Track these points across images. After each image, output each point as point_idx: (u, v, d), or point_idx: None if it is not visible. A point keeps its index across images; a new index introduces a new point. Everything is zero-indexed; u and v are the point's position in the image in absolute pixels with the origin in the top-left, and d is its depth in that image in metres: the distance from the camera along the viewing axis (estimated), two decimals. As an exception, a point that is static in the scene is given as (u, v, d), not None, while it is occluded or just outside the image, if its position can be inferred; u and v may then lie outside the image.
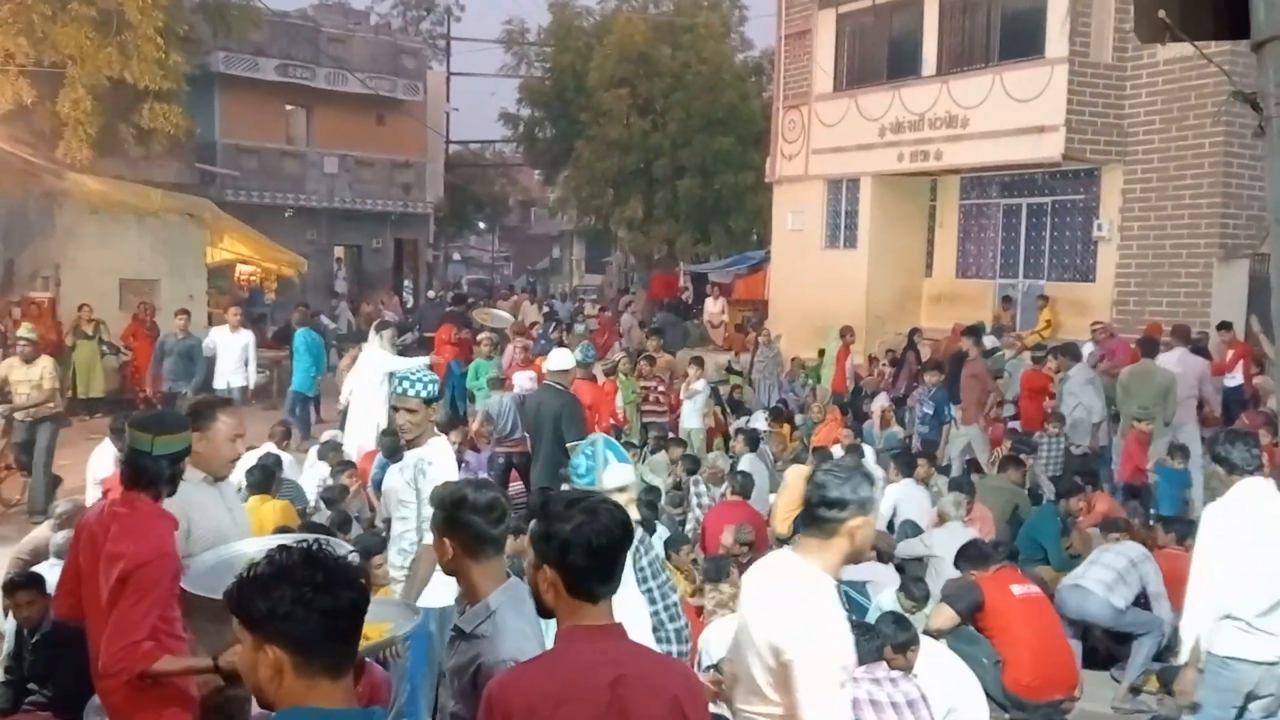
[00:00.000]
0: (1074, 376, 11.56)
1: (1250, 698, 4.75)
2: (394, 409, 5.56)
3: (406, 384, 5.27)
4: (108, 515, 3.73)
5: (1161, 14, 1.81)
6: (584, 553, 2.46)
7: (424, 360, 12.21)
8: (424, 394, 5.25)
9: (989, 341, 14.01)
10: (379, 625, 3.89)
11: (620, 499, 8.05)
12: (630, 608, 4.96)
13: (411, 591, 5.00)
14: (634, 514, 7.36)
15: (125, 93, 16.48)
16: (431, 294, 29.13)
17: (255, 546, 4.01)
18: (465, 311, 19.43)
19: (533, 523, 2.56)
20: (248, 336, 13.24)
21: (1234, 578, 4.67)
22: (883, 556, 8.03)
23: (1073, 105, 15.28)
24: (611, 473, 6.35)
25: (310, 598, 1.92)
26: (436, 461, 5.16)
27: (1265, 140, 1.69)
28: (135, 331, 15.86)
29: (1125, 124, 15.61)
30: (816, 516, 3.05)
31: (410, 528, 5.22)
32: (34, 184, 15.76)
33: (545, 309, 27.10)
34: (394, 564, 5.32)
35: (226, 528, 4.08)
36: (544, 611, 2.59)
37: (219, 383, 12.54)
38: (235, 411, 4.30)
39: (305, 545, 2.03)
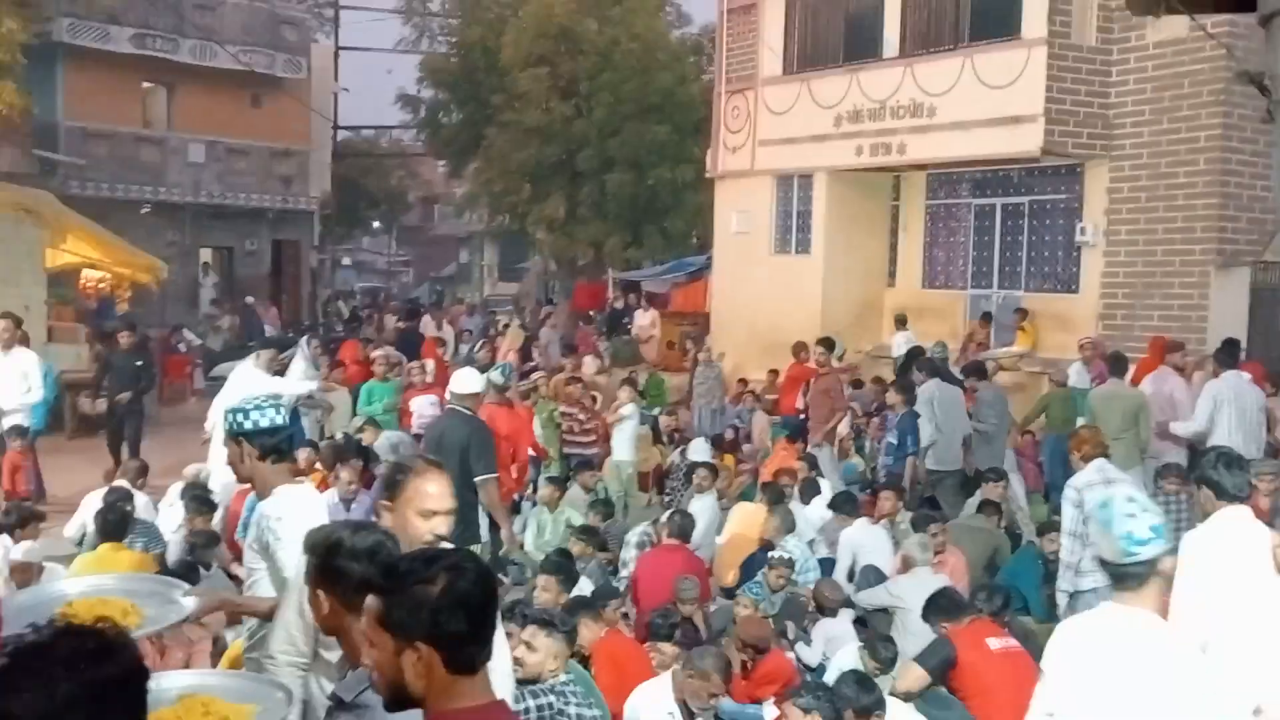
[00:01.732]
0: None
1: None
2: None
3: (234, 416, 4.66)
4: None
5: (1159, -17, 1.83)
6: (463, 616, 2.39)
7: (310, 384, 12.09)
8: (246, 427, 4.62)
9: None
10: (243, 708, 3.84)
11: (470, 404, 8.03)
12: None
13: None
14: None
15: (-52, 65, 16.12)
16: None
17: (76, 588, 3.99)
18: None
19: (375, 599, 2.44)
20: (27, 358, 11.83)
21: (1211, 610, 4.89)
22: (828, 609, 8.07)
23: (1052, 93, 15.55)
24: (460, 378, 7.54)
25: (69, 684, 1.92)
26: (285, 516, 4.46)
27: (1275, 126, 1.71)
28: None
29: (1111, 114, 15.95)
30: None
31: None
32: None
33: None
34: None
35: None
36: (404, 704, 2.47)
37: None
38: (437, 477, 3.84)
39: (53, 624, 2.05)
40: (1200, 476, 5.49)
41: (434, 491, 3.73)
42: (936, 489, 11.17)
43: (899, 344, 16.49)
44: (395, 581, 2.44)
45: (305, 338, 16.48)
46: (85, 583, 4.08)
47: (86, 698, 1.88)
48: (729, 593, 9.24)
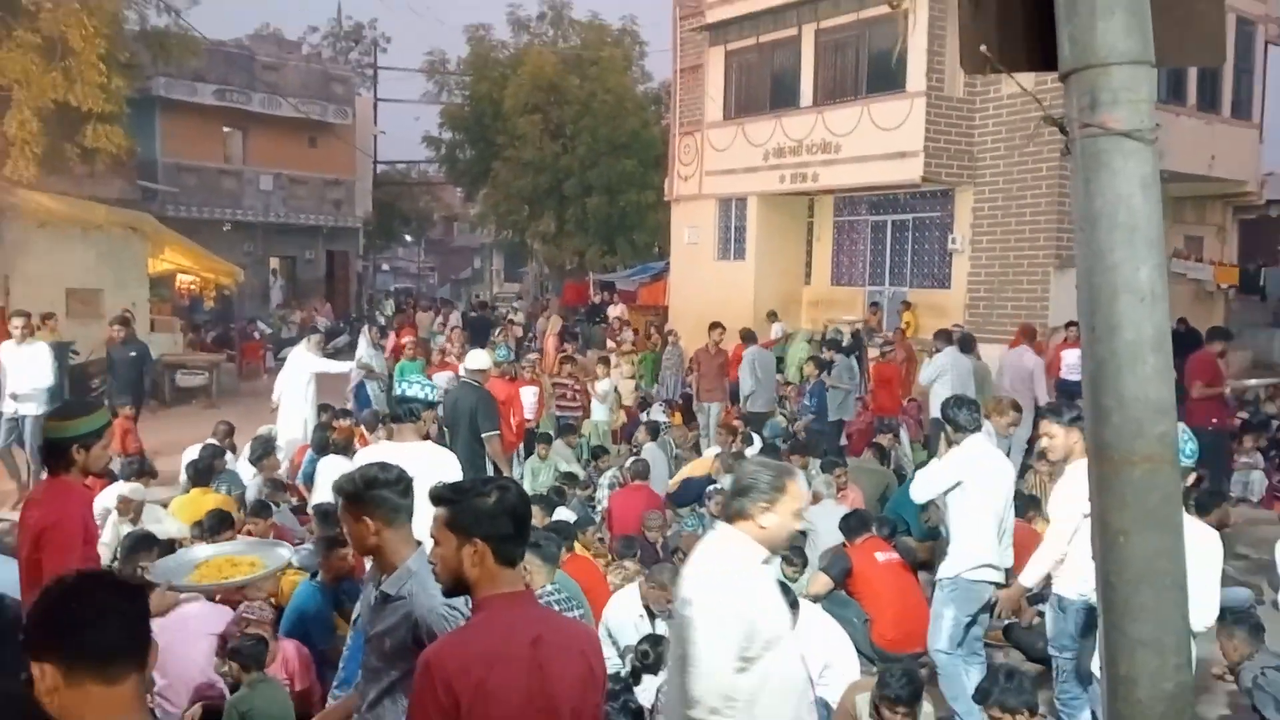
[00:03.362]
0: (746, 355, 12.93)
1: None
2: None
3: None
4: (30, 500, 3.90)
5: (983, 48, 1.88)
6: (510, 521, 2.50)
7: (348, 364, 12.07)
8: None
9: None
10: (250, 559, 3.98)
11: (479, 377, 8.12)
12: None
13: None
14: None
15: (69, 114, 15.92)
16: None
17: (206, 552, 4.10)
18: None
19: (447, 509, 2.53)
20: (40, 350, 10.38)
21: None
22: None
23: (930, 134, 15.62)
24: (472, 357, 7.31)
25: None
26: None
27: (1070, 158, 1.76)
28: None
29: (975, 150, 16.03)
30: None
31: None
32: (-17, 200, 15.15)
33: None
34: None
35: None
36: (454, 590, 2.57)
37: (5, 407, 10.13)
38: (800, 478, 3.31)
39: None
40: (943, 414, 5.88)
41: (805, 492, 3.36)
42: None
43: (775, 331, 16.94)
44: (460, 495, 2.54)
45: (367, 325, 16.40)
46: (214, 548, 4.27)
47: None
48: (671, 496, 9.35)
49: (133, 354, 12.53)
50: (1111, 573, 1.76)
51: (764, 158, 18.21)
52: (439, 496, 2.56)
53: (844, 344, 14.15)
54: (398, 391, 5.38)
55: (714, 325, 13.58)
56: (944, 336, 11.48)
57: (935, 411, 11.22)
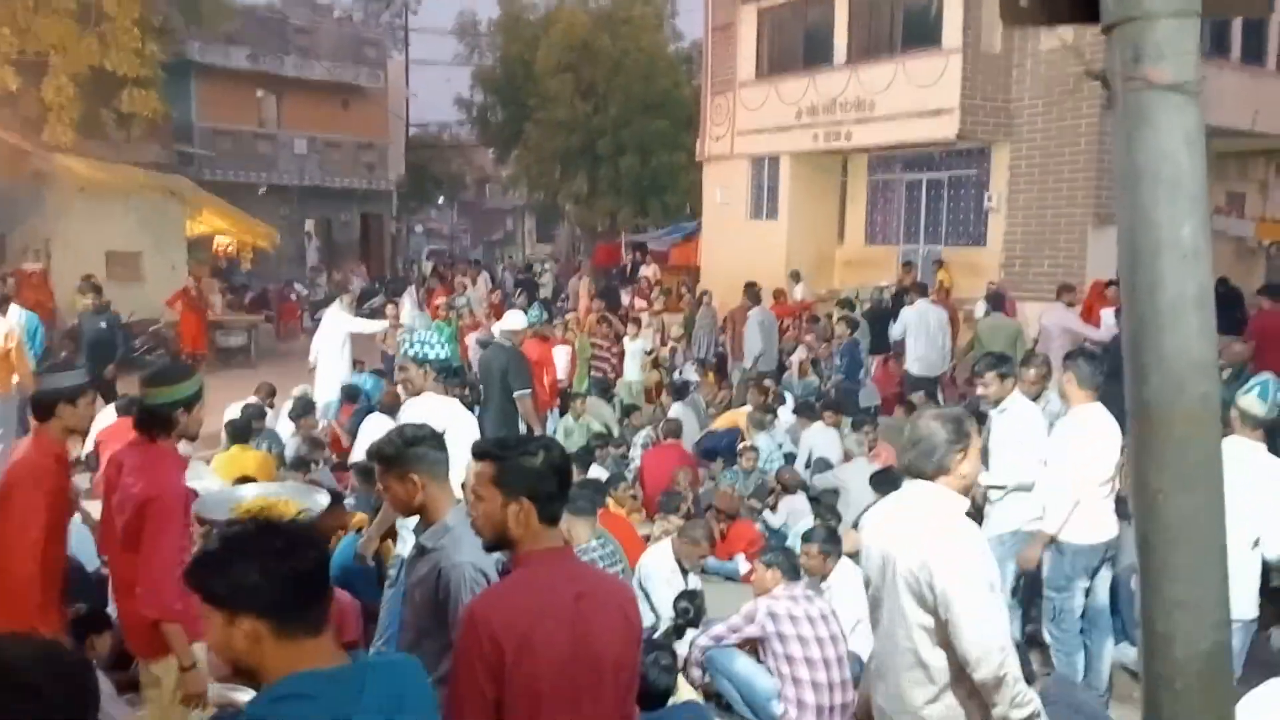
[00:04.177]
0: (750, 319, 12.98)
1: None
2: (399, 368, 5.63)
3: (420, 348, 5.36)
4: (122, 460, 3.87)
5: (1022, 1, 1.84)
6: (554, 480, 2.52)
7: (381, 324, 12.15)
8: (415, 355, 5.33)
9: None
10: (293, 503, 4.07)
11: (513, 337, 8.15)
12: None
13: (372, 535, 5.00)
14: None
15: (105, 80, 16.06)
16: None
17: (249, 491, 4.19)
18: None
19: (493, 465, 2.53)
20: (11, 317, 9.36)
21: None
22: (793, 489, 8.17)
23: (966, 90, 15.36)
24: (508, 316, 7.77)
25: (274, 566, 1.82)
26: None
27: (1112, 112, 1.73)
28: (178, 298, 15.55)
29: (1012, 106, 15.76)
30: None
31: None
32: (24, 166, 15.33)
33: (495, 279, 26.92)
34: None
35: None
36: (495, 545, 2.59)
37: None
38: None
39: (254, 518, 1.96)
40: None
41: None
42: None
43: (798, 292, 16.73)
44: (507, 452, 2.54)
45: (410, 287, 16.48)
46: (256, 488, 4.35)
47: (280, 582, 1.81)
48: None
49: (103, 324, 11.79)
50: (1149, 533, 1.74)
51: (797, 116, 18.01)
52: (484, 451, 2.57)
53: (885, 306, 13.88)
54: (411, 351, 5.41)
55: (749, 285, 13.54)
56: (994, 297, 11.57)
57: (914, 369, 11.30)
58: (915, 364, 11.31)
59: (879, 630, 3.13)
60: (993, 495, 5.67)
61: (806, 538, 5.80)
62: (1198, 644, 1.71)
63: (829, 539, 5.74)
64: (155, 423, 3.76)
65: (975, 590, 2.85)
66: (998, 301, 11.72)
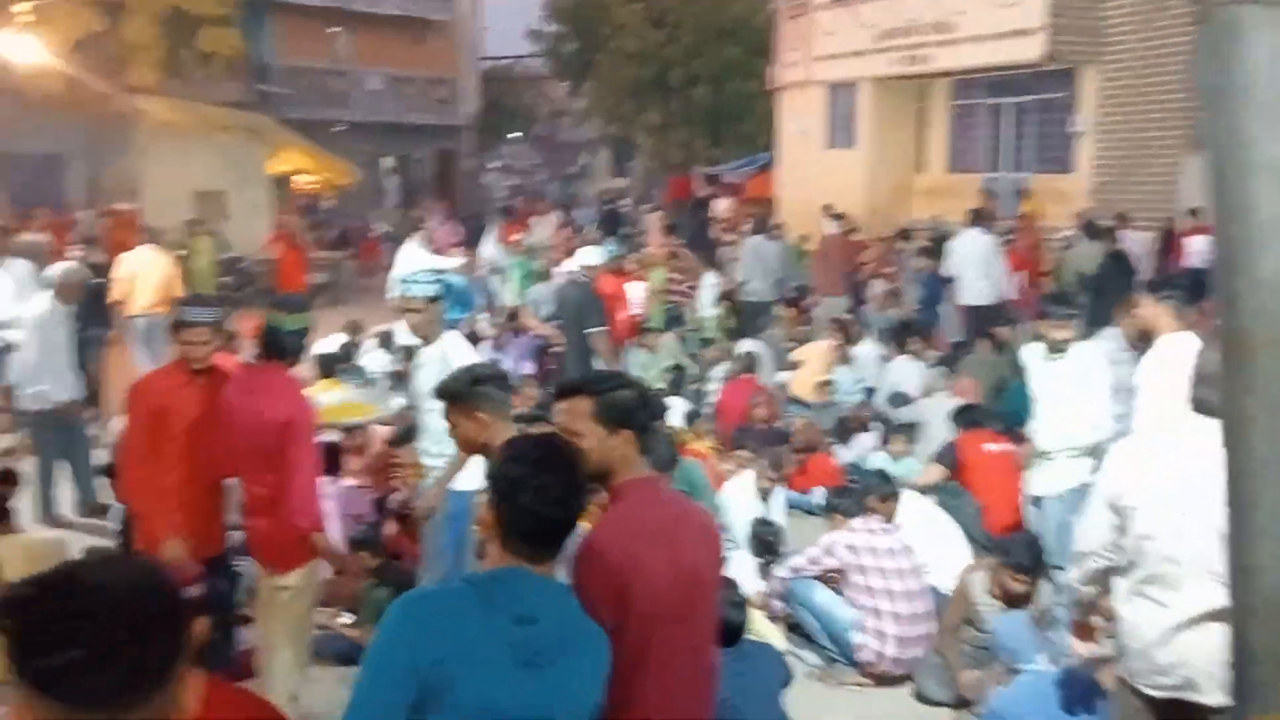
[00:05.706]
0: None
1: None
2: (403, 310, 5.07)
3: (407, 286, 4.90)
4: (245, 383, 4.10)
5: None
6: (649, 413, 2.69)
7: (457, 259, 12.24)
8: (425, 293, 4.83)
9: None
10: (365, 406, 4.33)
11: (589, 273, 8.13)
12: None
13: (447, 476, 4.97)
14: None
15: (184, 20, 16.30)
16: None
17: (329, 398, 4.45)
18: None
19: (591, 401, 2.57)
20: (20, 268, 8.74)
21: None
22: (866, 425, 8.14)
23: (1053, 9, 14.80)
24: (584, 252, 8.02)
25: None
26: (456, 355, 4.68)
27: (1201, 27, 1.67)
28: (280, 237, 15.49)
29: (1101, 26, 15.13)
30: None
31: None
32: (110, 107, 15.72)
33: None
34: (429, 451, 4.88)
35: None
36: (598, 478, 2.57)
37: None
38: None
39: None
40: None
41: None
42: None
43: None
44: (604, 386, 2.63)
45: (494, 220, 16.56)
46: (335, 394, 4.65)
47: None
48: (801, 404, 9.33)
49: (93, 280, 8.96)
50: (1238, 461, 1.72)
51: (875, 40, 17.55)
52: (577, 388, 2.63)
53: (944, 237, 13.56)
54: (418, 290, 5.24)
55: (837, 216, 13.41)
56: (1089, 227, 11.30)
57: (969, 298, 11.01)
58: (967, 293, 11.07)
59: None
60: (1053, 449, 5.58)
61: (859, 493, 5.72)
62: (1285, 572, 1.69)
63: (882, 484, 5.70)
64: (285, 349, 4.05)
65: None
66: (1095, 230, 11.36)
